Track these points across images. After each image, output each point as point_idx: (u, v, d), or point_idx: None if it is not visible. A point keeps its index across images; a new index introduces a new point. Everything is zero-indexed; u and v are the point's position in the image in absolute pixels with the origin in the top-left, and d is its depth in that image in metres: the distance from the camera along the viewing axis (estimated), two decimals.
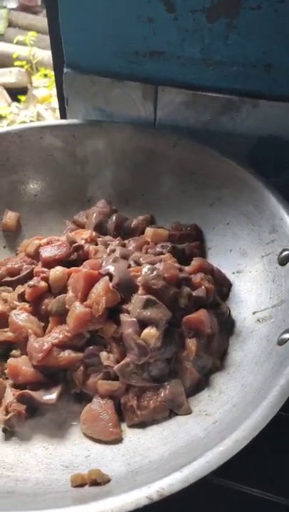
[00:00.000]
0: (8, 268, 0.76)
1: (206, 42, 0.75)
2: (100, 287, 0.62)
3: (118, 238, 0.80)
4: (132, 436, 0.57)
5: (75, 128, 0.87)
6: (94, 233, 0.78)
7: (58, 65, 0.89)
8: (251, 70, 0.76)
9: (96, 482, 0.47)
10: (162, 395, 0.59)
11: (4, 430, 0.58)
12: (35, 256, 0.77)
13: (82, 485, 0.47)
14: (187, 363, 0.61)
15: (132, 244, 0.78)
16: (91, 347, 0.62)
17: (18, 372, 0.60)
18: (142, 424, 0.59)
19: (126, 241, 0.78)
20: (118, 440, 0.56)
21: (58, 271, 0.69)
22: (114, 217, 0.84)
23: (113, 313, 0.63)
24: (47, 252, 0.73)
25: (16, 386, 0.61)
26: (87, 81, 0.85)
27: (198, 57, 0.78)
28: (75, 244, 0.73)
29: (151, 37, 0.78)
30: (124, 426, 0.59)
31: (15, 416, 0.57)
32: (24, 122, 2.46)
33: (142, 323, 0.60)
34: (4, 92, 2.71)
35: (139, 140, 0.85)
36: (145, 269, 0.65)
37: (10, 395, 0.59)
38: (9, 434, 0.58)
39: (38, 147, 0.86)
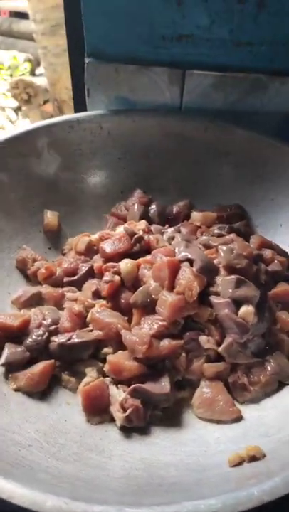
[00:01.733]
0: (64, 269, 0.73)
1: (236, 23, 0.77)
2: (187, 273, 0.62)
3: (166, 226, 0.80)
4: (248, 412, 0.58)
5: (101, 118, 0.85)
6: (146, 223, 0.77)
7: (75, 55, 0.87)
8: (280, 48, 0.78)
9: (255, 458, 0.47)
10: (270, 368, 0.60)
11: (122, 428, 0.56)
12: (88, 253, 0.76)
13: (240, 463, 0.48)
14: (282, 334, 0.63)
15: (183, 229, 0.78)
16: (189, 333, 0.62)
17: (122, 368, 0.59)
18: (252, 400, 0.60)
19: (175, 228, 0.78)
20: (239, 418, 0.57)
21: (128, 263, 0.68)
22: (155, 206, 0.84)
23: (201, 297, 0.63)
24: (109, 247, 0.71)
25: (118, 383, 0.60)
26: (111, 70, 0.84)
27: (227, 39, 0.78)
28: (136, 236, 0.72)
29: (180, 21, 0.77)
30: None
31: (134, 412, 0.56)
32: None
33: (236, 303, 0.61)
34: None
35: (169, 126, 0.85)
36: (223, 250, 0.66)
37: (119, 392, 0.58)
38: (127, 430, 0.57)
39: (67, 142, 0.83)
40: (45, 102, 2.37)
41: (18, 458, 0.48)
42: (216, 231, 0.75)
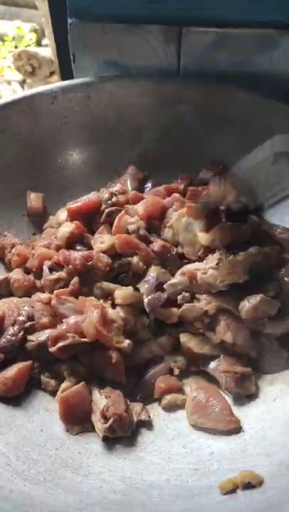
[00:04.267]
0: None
1: None
2: None
3: None
4: (248, 424, 0.50)
5: (88, 87, 0.76)
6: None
7: (57, 17, 0.77)
8: None
9: (250, 485, 0.40)
10: None
11: (105, 439, 0.50)
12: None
13: (233, 490, 0.41)
14: None
15: None
16: None
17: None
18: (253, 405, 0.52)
19: None
20: (238, 429, 0.50)
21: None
22: (150, 184, 0.75)
23: None
24: None
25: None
26: (97, 30, 0.74)
27: None
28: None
29: None
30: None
31: (116, 421, 0.49)
32: None
33: None
34: None
35: (165, 92, 0.76)
36: None
37: (101, 398, 0.51)
38: (111, 441, 0.50)
39: (51, 114, 0.75)
40: (52, 73, 2.27)
41: None
42: None
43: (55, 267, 0.63)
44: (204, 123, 0.76)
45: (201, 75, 0.75)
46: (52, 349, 0.54)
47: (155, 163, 0.78)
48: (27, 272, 0.66)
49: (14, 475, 0.45)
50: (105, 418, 0.50)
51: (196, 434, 0.51)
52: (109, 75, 0.77)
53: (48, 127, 0.75)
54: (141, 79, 0.76)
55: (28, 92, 0.74)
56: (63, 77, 0.85)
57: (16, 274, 0.64)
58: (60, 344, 0.53)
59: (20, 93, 0.75)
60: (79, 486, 0.45)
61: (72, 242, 0.64)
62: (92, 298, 0.57)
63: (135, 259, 0.60)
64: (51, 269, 0.63)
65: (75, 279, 0.60)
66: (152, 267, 0.60)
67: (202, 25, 0.72)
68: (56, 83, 0.76)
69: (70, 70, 0.80)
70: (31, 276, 0.65)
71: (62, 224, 0.67)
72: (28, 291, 0.64)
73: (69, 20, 0.74)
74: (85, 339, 0.53)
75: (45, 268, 0.63)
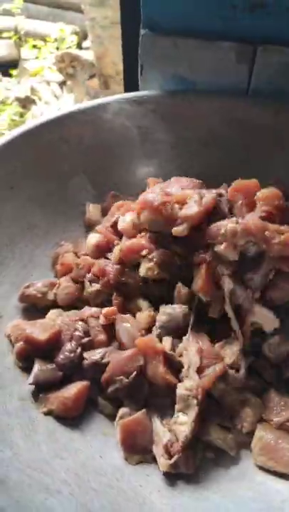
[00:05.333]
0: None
1: None
2: None
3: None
4: None
5: (155, 100, 0.74)
6: None
7: (128, 26, 0.76)
8: None
9: None
10: None
11: (166, 474, 0.48)
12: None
13: None
14: None
15: None
16: None
17: None
18: None
19: None
20: None
21: None
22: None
23: None
24: None
25: None
26: (169, 44, 0.73)
27: None
28: None
29: None
30: None
31: (181, 458, 0.47)
32: (19, 98, 2.28)
33: None
34: None
35: (233, 111, 0.74)
36: None
37: (163, 430, 0.49)
38: (172, 477, 0.48)
39: (116, 125, 0.74)
40: (91, 76, 2.27)
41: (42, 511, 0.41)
42: None
43: (95, 279, 0.61)
44: (271, 144, 0.73)
45: (271, 96, 0.73)
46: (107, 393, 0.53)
47: (215, 183, 0.76)
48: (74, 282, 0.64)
49: (78, 506, 0.43)
50: (169, 454, 0.48)
51: (262, 477, 0.48)
52: (176, 89, 0.76)
53: (111, 139, 0.74)
54: (209, 96, 0.75)
55: (94, 101, 0.73)
56: (127, 88, 0.83)
57: (66, 282, 0.63)
58: (110, 389, 0.53)
59: (86, 102, 0.73)
60: None
61: (100, 251, 0.63)
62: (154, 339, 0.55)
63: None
64: (90, 281, 0.61)
65: (115, 296, 0.59)
66: None
67: (278, 44, 0.70)
68: (123, 94, 0.75)
69: (135, 81, 0.79)
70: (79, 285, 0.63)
71: None
72: (75, 302, 0.62)
73: (141, 32, 0.73)
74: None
75: (86, 281, 0.61)
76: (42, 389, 0.54)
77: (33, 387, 0.54)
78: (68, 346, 0.56)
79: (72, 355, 0.55)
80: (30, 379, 0.54)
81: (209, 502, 0.46)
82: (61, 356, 0.55)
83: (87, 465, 0.48)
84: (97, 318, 0.58)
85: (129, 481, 0.47)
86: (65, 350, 0.56)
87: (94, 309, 0.59)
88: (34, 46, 2.60)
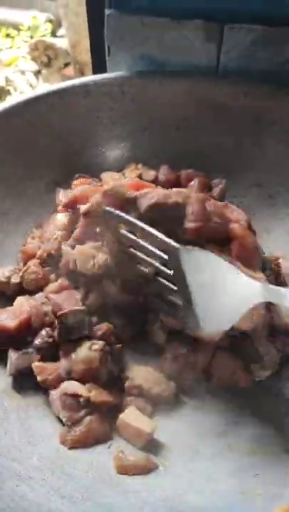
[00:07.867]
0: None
1: None
2: None
3: None
4: None
5: (123, 81, 0.73)
6: None
7: (93, 6, 0.74)
8: None
9: None
10: None
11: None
12: None
13: None
14: None
15: None
16: None
17: None
18: None
19: None
20: None
21: None
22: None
23: None
24: None
25: None
26: (136, 23, 0.71)
27: None
28: None
29: None
30: None
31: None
32: None
33: None
34: None
35: (203, 91, 0.73)
36: None
37: None
38: None
39: (83, 108, 0.72)
40: (66, 65, 2.23)
41: (14, 498, 0.40)
42: None
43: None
44: (241, 124, 0.73)
45: (241, 75, 0.72)
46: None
47: (188, 164, 0.75)
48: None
49: (51, 491, 0.42)
50: None
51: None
52: (145, 70, 0.75)
53: (79, 122, 0.73)
54: (178, 75, 0.73)
55: (61, 84, 0.71)
56: (95, 71, 0.81)
57: (35, 266, 0.61)
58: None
59: (52, 86, 0.72)
60: (120, 505, 0.42)
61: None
62: None
63: None
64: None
65: None
66: None
67: (246, 21, 0.69)
68: (89, 76, 0.73)
69: (103, 63, 0.77)
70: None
71: None
72: (42, 286, 0.60)
73: (106, 11, 0.71)
74: None
75: None
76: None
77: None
78: (43, 332, 0.55)
79: (50, 339, 0.55)
80: (11, 370, 0.53)
81: (179, 479, 0.46)
82: (39, 339, 0.54)
83: (61, 451, 0.48)
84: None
85: (104, 466, 0.47)
86: (42, 336, 0.55)
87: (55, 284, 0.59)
88: (8, 35, 2.54)
